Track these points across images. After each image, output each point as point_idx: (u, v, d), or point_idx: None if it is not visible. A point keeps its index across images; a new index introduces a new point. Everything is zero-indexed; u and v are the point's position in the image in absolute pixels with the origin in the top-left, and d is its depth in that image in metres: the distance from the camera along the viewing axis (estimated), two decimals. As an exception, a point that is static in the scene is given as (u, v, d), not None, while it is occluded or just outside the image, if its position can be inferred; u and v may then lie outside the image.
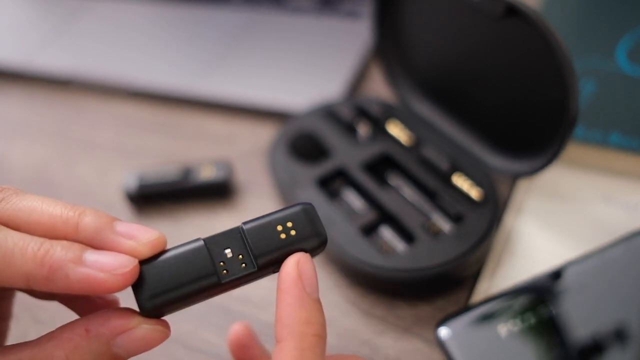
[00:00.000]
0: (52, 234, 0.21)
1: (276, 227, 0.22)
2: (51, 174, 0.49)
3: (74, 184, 0.47)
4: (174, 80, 0.53)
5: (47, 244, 0.21)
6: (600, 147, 0.38)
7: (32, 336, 0.33)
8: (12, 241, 0.20)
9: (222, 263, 0.22)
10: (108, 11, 0.65)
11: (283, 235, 0.22)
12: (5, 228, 0.21)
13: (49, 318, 0.37)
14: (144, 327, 0.21)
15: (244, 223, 0.23)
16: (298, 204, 0.23)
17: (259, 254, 0.22)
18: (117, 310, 0.21)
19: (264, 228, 0.22)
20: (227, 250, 0.22)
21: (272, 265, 0.22)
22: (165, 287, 0.21)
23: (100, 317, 0.21)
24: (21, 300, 0.28)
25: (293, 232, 0.22)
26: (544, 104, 0.34)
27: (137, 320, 0.21)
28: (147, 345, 0.21)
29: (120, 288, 0.21)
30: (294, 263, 0.22)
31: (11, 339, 0.27)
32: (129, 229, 0.22)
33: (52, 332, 0.21)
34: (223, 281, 0.22)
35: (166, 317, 0.23)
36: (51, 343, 0.21)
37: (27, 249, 0.20)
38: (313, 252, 0.23)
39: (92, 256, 0.21)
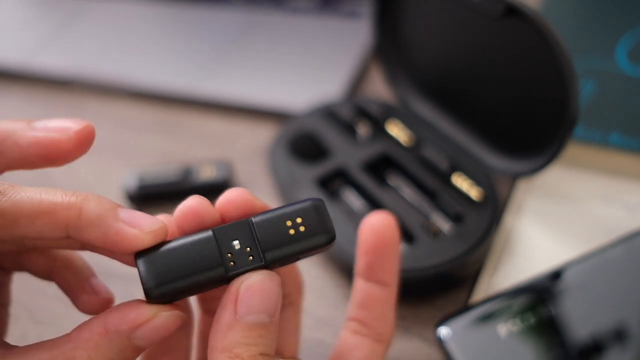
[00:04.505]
0: (53, 221, 0.21)
1: (285, 222, 0.22)
2: (51, 174, 0.49)
3: (74, 184, 0.47)
4: (174, 80, 0.53)
5: (83, 195, 0.21)
6: (600, 147, 0.38)
7: (32, 336, 0.34)
8: (53, 192, 0.21)
9: (229, 254, 0.22)
10: (108, 11, 0.65)
11: (292, 231, 0.22)
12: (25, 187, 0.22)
13: (49, 318, 0.37)
14: (163, 315, 0.21)
15: (254, 216, 0.23)
16: (308, 199, 0.23)
17: (267, 248, 0.22)
18: (129, 304, 0.22)
19: (273, 222, 0.22)
20: (235, 242, 0.22)
21: (279, 261, 0.22)
22: (171, 276, 0.21)
23: (116, 313, 0.21)
24: (21, 301, 0.28)
25: (302, 228, 0.22)
26: (543, 104, 0.34)
27: (154, 309, 0.21)
28: (167, 332, 0.22)
29: (147, 245, 0.21)
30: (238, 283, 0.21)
31: (11, 339, 0.27)
32: (133, 216, 0.22)
33: (69, 334, 0.21)
34: (229, 273, 0.22)
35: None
36: (70, 345, 0.21)
37: (67, 196, 0.21)
38: (321, 248, 0.23)
39: (125, 213, 0.22)
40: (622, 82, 0.41)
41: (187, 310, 0.26)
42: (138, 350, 0.21)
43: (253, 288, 0.21)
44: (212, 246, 0.22)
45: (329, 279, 0.37)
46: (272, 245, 0.22)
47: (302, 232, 0.22)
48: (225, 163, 0.44)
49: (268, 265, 0.22)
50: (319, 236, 0.22)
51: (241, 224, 0.22)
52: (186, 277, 0.21)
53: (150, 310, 0.21)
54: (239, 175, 0.45)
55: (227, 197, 0.23)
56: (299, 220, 0.22)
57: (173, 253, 0.22)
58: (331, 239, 0.23)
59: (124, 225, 0.21)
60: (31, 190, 0.22)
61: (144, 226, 0.21)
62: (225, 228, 0.22)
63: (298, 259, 0.23)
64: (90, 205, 0.21)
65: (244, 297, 0.21)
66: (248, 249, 0.22)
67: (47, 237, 0.22)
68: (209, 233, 0.22)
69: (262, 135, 0.48)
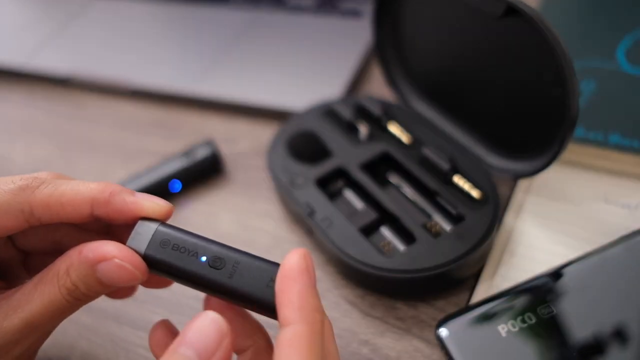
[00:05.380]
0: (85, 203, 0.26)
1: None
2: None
3: (74, 183, 0.47)
4: (174, 80, 0.53)
5: (104, 182, 0.27)
6: (600, 147, 0.38)
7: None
8: (75, 181, 0.27)
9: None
10: (107, 10, 0.65)
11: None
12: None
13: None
14: (116, 262, 0.25)
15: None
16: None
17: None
18: (109, 242, 0.25)
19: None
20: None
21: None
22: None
23: (95, 244, 0.25)
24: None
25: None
26: (544, 104, 0.34)
27: (114, 253, 0.25)
28: (120, 278, 0.25)
29: (160, 217, 0.26)
30: (302, 255, 0.24)
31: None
32: (143, 195, 0.27)
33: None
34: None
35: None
36: (59, 259, 0.26)
37: (89, 183, 0.26)
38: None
39: (140, 194, 0.27)
40: (623, 82, 0.41)
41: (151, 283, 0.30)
42: (99, 283, 0.25)
43: (311, 260, 0.25)
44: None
45: (328, 280, 0.37)
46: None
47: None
48: (207, 141, 0.45)
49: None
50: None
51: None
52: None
53: (113, 252, 0.25)
54: (239, 175, 0.45)
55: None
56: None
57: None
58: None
59: (137, 198, 0.26)
60: (69, 182, 0.27)
61: (153, 199, 0.27)
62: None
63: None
64: (116, 187, 0.27)
65: (311, 268, 0.25)
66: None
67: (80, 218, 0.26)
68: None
69: (262, 134, 0.48)
